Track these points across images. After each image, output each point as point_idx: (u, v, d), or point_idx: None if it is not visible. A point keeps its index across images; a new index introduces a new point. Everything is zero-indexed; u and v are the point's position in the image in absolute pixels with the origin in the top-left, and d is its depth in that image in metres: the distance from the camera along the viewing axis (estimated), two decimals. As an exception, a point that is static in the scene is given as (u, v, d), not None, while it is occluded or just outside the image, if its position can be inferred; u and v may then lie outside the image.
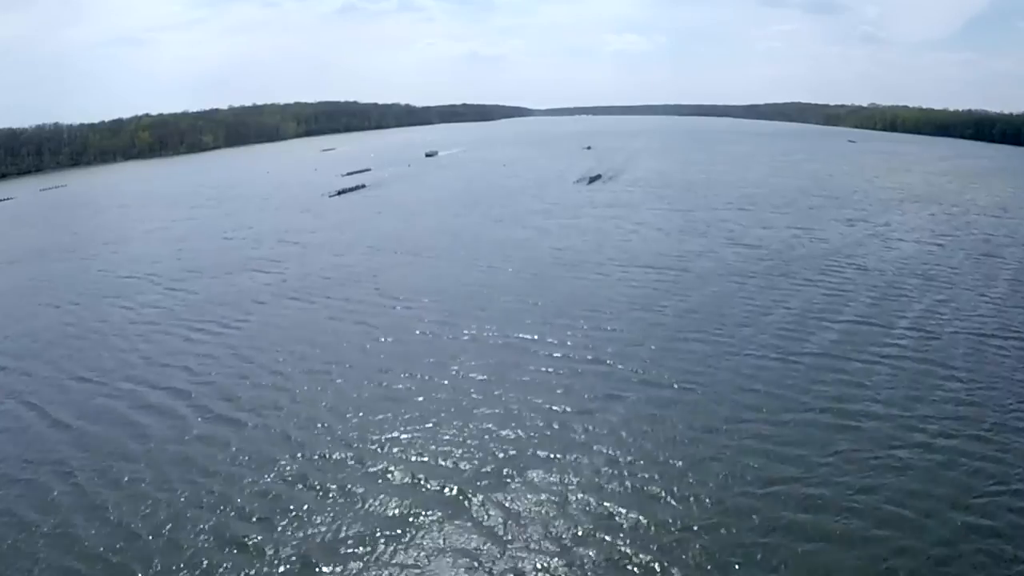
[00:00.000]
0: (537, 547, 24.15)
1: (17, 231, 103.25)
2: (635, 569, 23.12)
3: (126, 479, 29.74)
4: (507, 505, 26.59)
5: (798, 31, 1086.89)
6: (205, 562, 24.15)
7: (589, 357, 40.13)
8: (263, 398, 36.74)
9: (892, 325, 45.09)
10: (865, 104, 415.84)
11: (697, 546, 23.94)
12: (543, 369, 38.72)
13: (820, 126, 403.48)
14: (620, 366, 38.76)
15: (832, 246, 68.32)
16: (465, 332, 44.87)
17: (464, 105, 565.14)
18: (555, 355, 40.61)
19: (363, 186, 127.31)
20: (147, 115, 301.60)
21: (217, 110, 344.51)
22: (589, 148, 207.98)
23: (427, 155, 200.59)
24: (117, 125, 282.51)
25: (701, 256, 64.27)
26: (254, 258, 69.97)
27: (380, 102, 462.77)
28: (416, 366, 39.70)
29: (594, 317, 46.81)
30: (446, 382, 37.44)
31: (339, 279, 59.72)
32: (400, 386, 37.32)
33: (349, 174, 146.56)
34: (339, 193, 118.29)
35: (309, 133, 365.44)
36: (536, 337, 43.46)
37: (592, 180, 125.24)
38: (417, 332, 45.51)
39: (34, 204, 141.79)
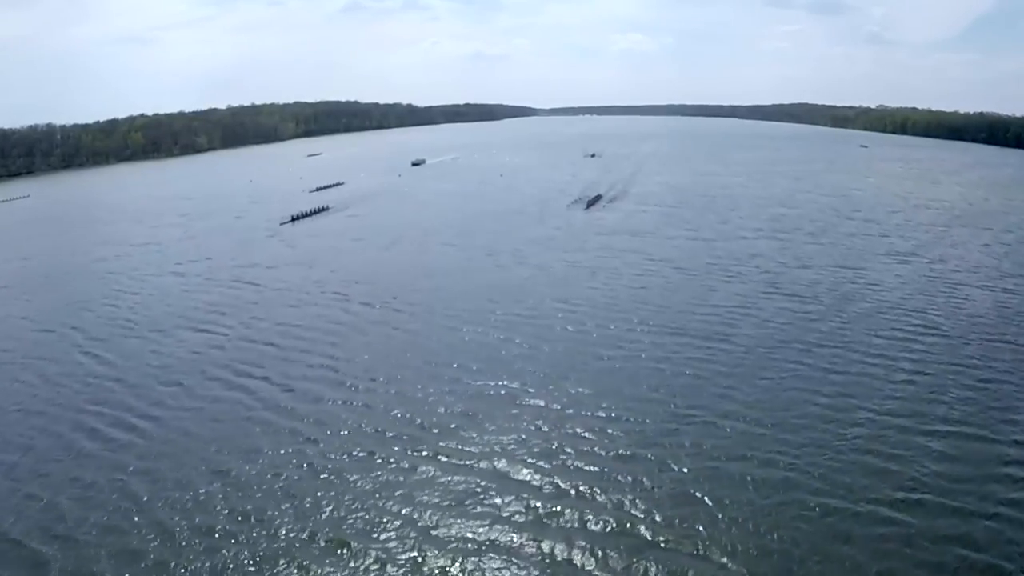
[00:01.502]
0: None
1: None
2: None
3: None
4: None
5: (803, 31, 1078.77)
6: None
7: (606, 504, 28.79)
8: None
9: (1000, 435, 34.02)
10: (873, 105, 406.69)
11: None
12: (539, 530, 27.38)
13: (828, 128, 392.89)
14: (649, 523, 27.48)
15: (892, 296, 56.78)
16: (439, 452, 33.29)
17: (467, 105, 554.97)
18: (559, 493, 29.44)
19: (326, 208, 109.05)
20: (142, 115, 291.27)
21: (214, 110, 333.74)
22: (594, 156, 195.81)
23: (413, 164, 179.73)
24: (111, 126, 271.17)
25: (738, 314, 52.19)
26: (199, 307, 58.60)
27: (382, 102, 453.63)
28: (364, 522, 28.44)
29: (609, 426, 35.15)
30: (406, 556, 26.11)
31: (288, 346, 47.96)
32: (340, 558, 26.13)
33: (317, 190, 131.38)
34: (292, 220, 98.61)
35: (308, 133, 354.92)
36: (531, 461, 32.14)
37: (595, 200, 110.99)
38: (373, 449, 33.88)
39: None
